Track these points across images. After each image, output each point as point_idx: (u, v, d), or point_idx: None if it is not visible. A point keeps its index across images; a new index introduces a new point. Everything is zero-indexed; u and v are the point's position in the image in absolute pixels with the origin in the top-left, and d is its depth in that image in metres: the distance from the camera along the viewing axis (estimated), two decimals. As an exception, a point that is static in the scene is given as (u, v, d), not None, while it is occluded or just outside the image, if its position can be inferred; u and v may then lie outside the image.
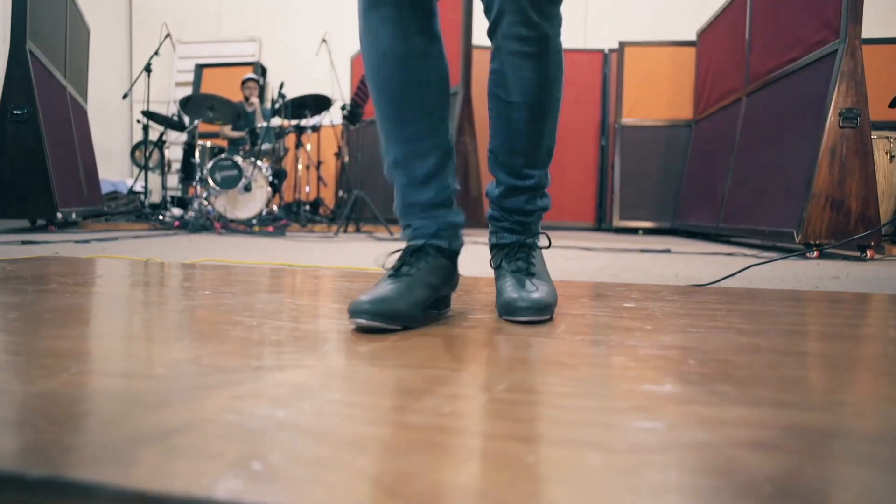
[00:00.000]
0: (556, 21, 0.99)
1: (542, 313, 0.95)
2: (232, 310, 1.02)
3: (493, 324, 0.96)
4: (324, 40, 6.28)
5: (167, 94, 7.86)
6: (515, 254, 1.07)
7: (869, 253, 3.15)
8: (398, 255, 1.03)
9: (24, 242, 2.91)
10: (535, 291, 0.97)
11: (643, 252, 3.29)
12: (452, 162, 1.07)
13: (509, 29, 0.96)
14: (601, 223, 6.76)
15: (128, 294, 1.19)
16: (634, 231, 6.11)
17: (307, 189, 6.07)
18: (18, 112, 3.68)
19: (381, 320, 0.87)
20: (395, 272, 0.98)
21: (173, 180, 6.91)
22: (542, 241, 1.13)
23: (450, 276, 1.05)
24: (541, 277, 1.04)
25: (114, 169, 7.85)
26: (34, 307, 0.99)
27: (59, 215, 3.84)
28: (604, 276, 1.99)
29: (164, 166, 5.48)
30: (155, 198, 7.25)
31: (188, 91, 7.79)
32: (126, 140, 8.12)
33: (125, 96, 5.45)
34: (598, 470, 0.41)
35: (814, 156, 3.25)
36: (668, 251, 3.34)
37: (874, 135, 3.83)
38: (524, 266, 1.05)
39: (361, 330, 0.88)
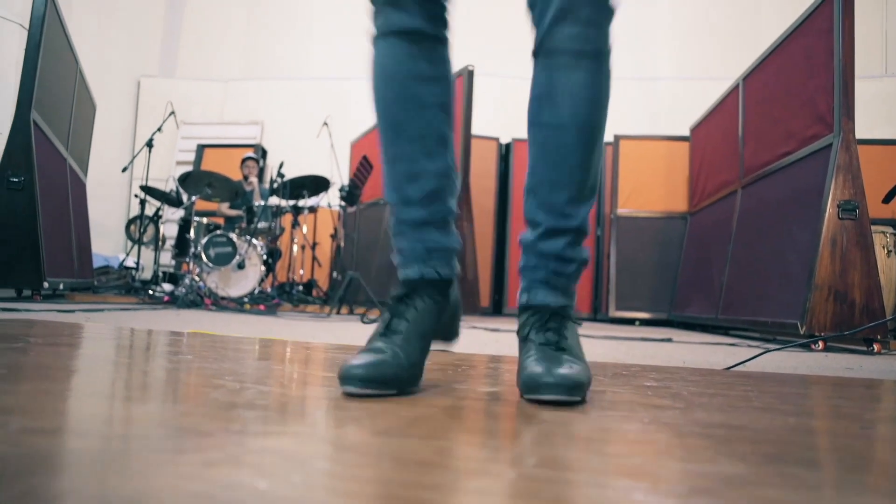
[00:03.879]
0: (610, 40, 0.93)
1: (572, 393, 0.80)
2: (214, 373, 0.92)
3: (508, 397, 0.85)
4: (325, 123, 6.40)
5: (167, 172, 7.92)
6: (546, 323, 0.93)
7: (876, 347, 3.06)
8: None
9: (4, 310, 2.79)
10: (565, 367, 0.83)
11: (644, 340, 3.19)
12: (452, 185, 1.01)
13: (566, 38, 0.89)
14: (597, 313, 6.68)
15: (100, 354, 1.08)
16: (631, 322, 6.02)
17: (301, 271, 6.00)
18: (15, 179, 3.65)
19: (374, 387, 0.78)
20: (385, 329, 0.89)
21: (166, 256, 6.84)
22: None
23: (443, 312, 0.96)
24: (573, 353, 0.90)
25: (108, 244, 7.79)
26: (-7, 365, 0.89)
27: (46, 285, 3.73)
28: (602, 360, 1.89)
29: (157, 241, 5.42)
30: (147, 273, 7.15)
31: (188, 169, 7.88)
32: (122, 215, 8.11)
33: (125, 169, 5.47)
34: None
35: (814, 247, 3.23)
36: (669, 340, 3.25)
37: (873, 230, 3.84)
38: (554, 338, 0.90)
39: (354, 397, 0.78)
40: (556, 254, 0.96)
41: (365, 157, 4.39)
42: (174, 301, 4.30)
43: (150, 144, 5.38)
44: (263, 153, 7.85)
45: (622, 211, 6.20)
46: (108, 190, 7.80)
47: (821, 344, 3.11)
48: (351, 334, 2.51)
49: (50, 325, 1.59)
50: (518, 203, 6.96)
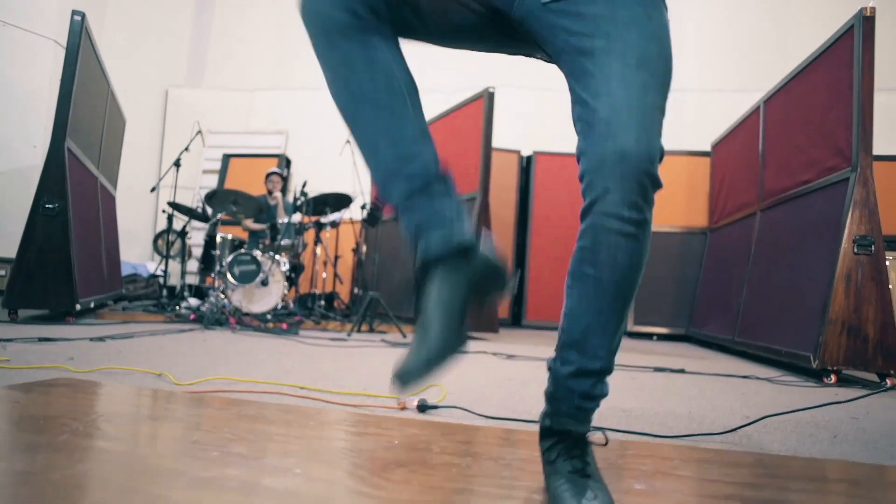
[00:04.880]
0: (653, 206, 0.98)
1: None
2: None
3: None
4: (348, 141, 6.50)
5: (194, 181, 8.11)
6: (571, 450, 1.02)
7: (889, 381, 3.08)
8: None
9: (41, 340, 2.94)
10: (596, 500, 0.93)
11: (657, 371, 3.24)
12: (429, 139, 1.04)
13: (613, 208, 0.93)
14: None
15: (128, 451, 1.19)
16: (649, 336, 6.05)
17: (324, 275, 6.11)
18: (50, 206, 3.81)
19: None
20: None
21: (193, 265, 7.02)
22: (597, 437, 1.12)
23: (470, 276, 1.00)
24: (597, 480, 0.99)
25: (136, 250, 8.01)
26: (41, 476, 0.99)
27: (78, 307, 3.90)
28: (614, 413, 1.95)
29: (184, 255, 5.59)
30: (174, 280, 7.35)
31: (214, 178, 8.06)
32: (150, 223, 8.32)
33: (153, 190, 5.64)
34: None
35: (829, 280, 3.25)
36: (682, 371, 3.30)
37: (889, 255, 3.83)
38: (580, 465, 1.00)
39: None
40: (583, 392, 1.03)
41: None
42: (200, 319, 4.45)
43: (177, 164, 5.54)
44: (288, 162, 7.99)
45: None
46: (136, 197, 8.00)
47: (833, 377, 3.14)
48: (371, 368, 2.59)
49: (80, 398, 1.70)
50: (538, 215, 7.01)
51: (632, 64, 0.94)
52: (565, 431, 1.04)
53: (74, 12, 3.97)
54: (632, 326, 6.07)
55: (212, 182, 8.05)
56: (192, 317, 4.52)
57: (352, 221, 6.23)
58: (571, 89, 0.99)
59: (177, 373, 2.26)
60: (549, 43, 1.03)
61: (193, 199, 8.14)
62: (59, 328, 3.63)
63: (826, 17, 7.49)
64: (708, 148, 6.19)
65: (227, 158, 7.97)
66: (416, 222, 0.98)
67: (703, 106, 7.35)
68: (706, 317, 5.37)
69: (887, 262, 3.82)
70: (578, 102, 0.97)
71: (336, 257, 6.10)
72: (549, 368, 1.07)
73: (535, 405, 1.64)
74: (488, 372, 2.85)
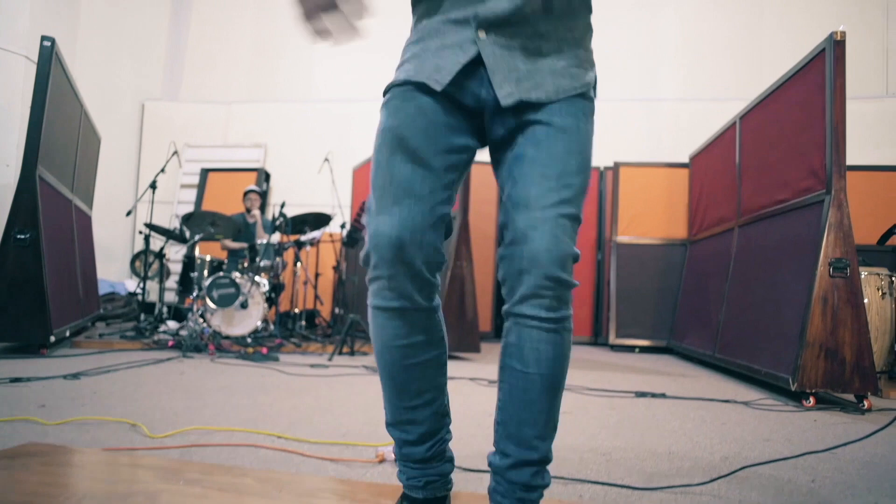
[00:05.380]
0: (570, 303, 1.05)
1: None
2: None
3: None
4: (326, 159, 6.47)
5: (172, 196, 8.02)
6: None
7: (866, 403, 3.12)
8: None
9: (12, 381, 2.88)
10: None
11: (639, 397, 3.26)
12: (447, 419, 1.17)
13: (531, 310, 1.02)
14: (598, 338, 6.74)
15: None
16: (631, 349, 6.08)
17: (304, 298, 6.07)
18: (22, 237, 3.73)
19: None
20: None
21: (172, 282, 6.93)
22: None
23: None
24: None
25: (114, 267, 7.89)
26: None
27: (53, 338, 3.83)
28: (594, 457, 1.94)
29: (162, 276, 5.51)
30: (153, 296, 7.25)
31: (193, 193, 7.96)
32: (128, 239, 8.20)
33: (129, 213, 5.56)
34: None
35: (805, 301, 3.28)
36: (663, 395, 3.31)
37: (865, 271, 3.88)
38: None
39: None
40: (523, 483, 1.07)
41: (364, 203, 4.45)
42: (178, 346, 4.38)
43: (153, 186, 5.46)
44: (267, 176, 7.93)
45: (622, 238, 6.25)
46: (113, 213, 7.90)
47: (811, 399, 3.17)
48: (353, 403, 2.54)
49: (52, 472, 1.66)
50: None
51: (552, 176, 1.02)
52: None
53: (44, 38, 3.89)
54: (614, 339, 6.10)
55: (190, 196, 7.96)
56: (170, 343, 4.46)
57: (332, 238, 6.18)
58: (499, 185, 1.11)
59: (152, 419, 2.22)
60: (491, 134, 1.12)
61: (171, 217, 8.06)
62: (32, 363, 3.56)
63: (799, 29, 7.61)
64: (686, 159, 6.24)
65: (205, 173, 7.88)
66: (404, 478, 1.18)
67: (680, 115, 7.41)
68: (687, 329, 5.40)
69: (863, 275, 3.88)
70: (502, 206, 1.09)
71: (317, 275, 6.05)
72: (490, 465, 1.12)
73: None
74: (468, 405, 2.83)
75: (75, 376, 3.12)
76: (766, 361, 3.65)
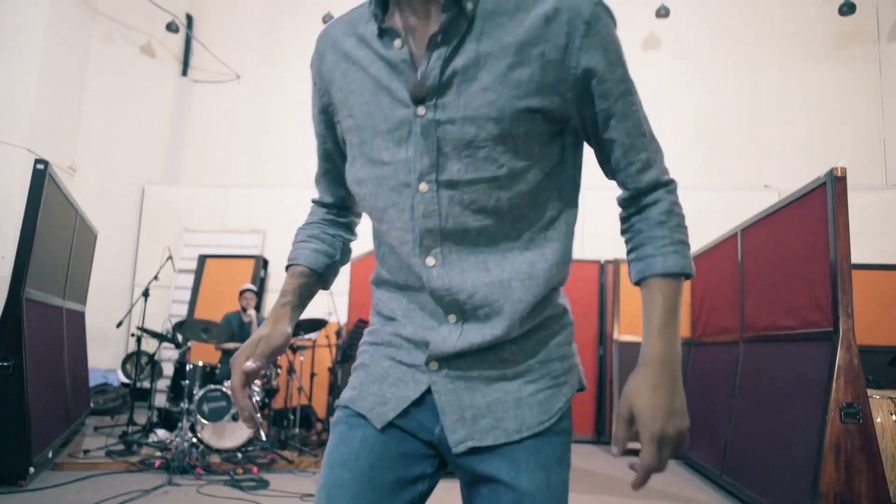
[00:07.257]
0: None
1: None
2: None
3: None
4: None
5: (170, 280, 7.93)
6: None
7: (886, 559, 2.94)
8: None
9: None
10: None
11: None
12: None
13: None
14: (601, 435, 6.53)
15: None
16: (634, 452, 5.86)
17: (298, 394, 5.90)
18: (5, 364, 3.62)
19: None
20: None
21: (164, 381, 6.77)
22: None
23: None
24: None
25: (108, 352, 7.75)
26: None
27: (32, 470, 3.67)
28: None
29: (153, 382, 5.37)
30: (145, 383, 7.08)
31: (190, 278, 7.88)
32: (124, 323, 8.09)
33: (119, 325, 5.49)
34: None
35: (817, 445, 3.14)
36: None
37: (877, 394, 3.73)
38: None
39: None
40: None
41: (361, 320, 4.36)
42: (165, 467, 4.22)
43: (146, 294, 5.39)
44: (265, 263, 7.87)
45: (623, 337, 6.13)
46: (110, 296, 7.82)
47: (828, 554, 2.99)
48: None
49: None
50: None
51: None
52: None
53: (37, 161, 3.87)
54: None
55: (187, 282, 7.87)
56: (157, 464, 4.28)
57: (328, 343, 6.03)
58: None
59: None
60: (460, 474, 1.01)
61: (169, 302, 7.96)
62: (8, 499, 3.40)
63: (796, 117, 7.67)
64: (687, 256, 6.16)
65: (203, 259, 7.82)
66: None
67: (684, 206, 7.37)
68: (694, 438, 5.22)
69: (875, 398, 3.74)
70: None
71: (312, 374, 5.91)
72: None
73: None
74: None
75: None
76: (776, 501, 3.48)
